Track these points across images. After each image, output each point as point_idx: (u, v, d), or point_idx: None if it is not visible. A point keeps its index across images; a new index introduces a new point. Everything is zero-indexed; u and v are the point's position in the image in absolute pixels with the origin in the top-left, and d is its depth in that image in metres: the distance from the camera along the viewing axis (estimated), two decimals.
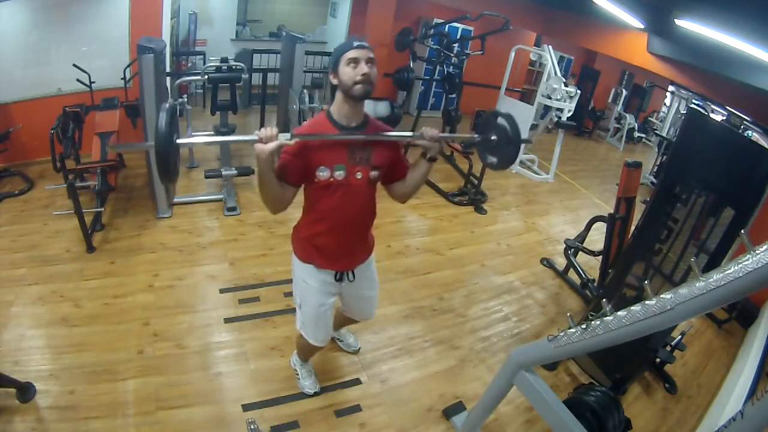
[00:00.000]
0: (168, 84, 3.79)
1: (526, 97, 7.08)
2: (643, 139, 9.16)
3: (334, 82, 1.43)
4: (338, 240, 1.59)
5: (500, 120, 1.60)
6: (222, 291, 2.69)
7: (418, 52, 5.70)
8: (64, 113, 3.18)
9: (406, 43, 5.54)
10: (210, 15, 6.55)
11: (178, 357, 2.19)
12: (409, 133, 1.52)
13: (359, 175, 1.48)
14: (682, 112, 7.28)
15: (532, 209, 4.75)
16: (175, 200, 3.52)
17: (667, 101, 9.07)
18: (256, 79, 5.82)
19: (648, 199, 2.89)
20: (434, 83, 6.46)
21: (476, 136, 1.71)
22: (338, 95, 1.45)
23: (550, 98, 5.25)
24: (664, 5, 3.74)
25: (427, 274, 3.21)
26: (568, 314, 1.50)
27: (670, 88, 8.11)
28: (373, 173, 1.50)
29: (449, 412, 2.11)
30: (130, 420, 1.86)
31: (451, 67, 5.65)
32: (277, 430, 1.91)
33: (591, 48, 6.56)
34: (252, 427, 1.83)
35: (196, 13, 6.07)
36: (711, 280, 1.00)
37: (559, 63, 6.25)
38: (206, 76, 3.54)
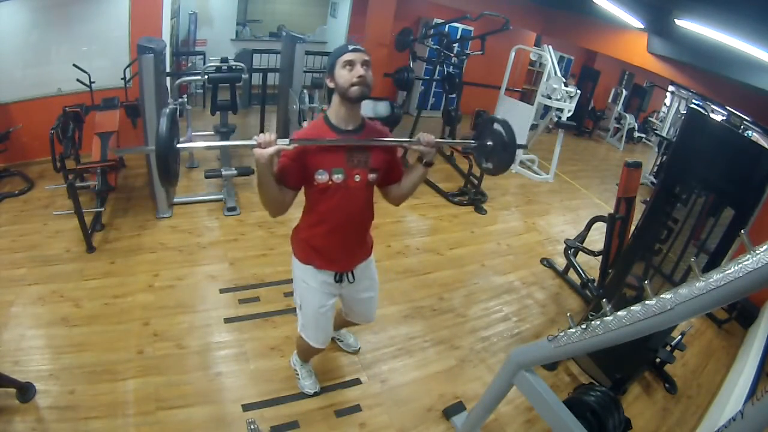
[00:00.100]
0: (168, 84, 3.79)
1: (526, 97, 7.08)
2: (643, 139, 9.16)
3: (331, 85, 1.44)
4: (337, 241, 1.60)
5: (496, 126, 1.60)
6: (222, 291, 2.69)
7: (418, 52, 5.70)
8: (64, 113, 3.18)
9: (406, 43, 5.54)
10: (210, 15, 6.55)
11: (178, 357, 2.19)
12: (406, 139, 1.53)
13: (357, 178, 1.49)
14: (682, 112, 7.27)
15: (532, 209, 4.75)
16: (175, 200, 3.52)
17: (667, 101, 9.07)
18: (256, 79, 5.82)
19: (648, 199, 2.89)
20: (434, 83, 6.47)
21: (472, 141, 1.72)
22: (335, 98, 1.46)
23: (550, 98, 5.25)
24: (664, 5, 3.74)
25: (427, 274, 3.21)
26: (568, 314, 1.50)
27: (670, 88, 8.11)
28: (371, 176, 1.51)
29: (449, 412, 2.11)
30: (130, 420, 1.86)
31: (451, 67, 5.66)
32: (277, 430, 1.91)
33: (591, 48, 6.56)
34: (252, 427, 1.83)
35: (196, 13, 6.07)
36: (711, 280, 1.00)
37: (559, 63, 6.25)
38: (206, 76, 3.54)
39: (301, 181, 1.48)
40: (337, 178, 1.46)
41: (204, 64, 4.93)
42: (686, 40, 3.96)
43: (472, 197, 4.45)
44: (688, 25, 3.41)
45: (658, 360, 2.54)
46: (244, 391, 2.07)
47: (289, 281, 1.80)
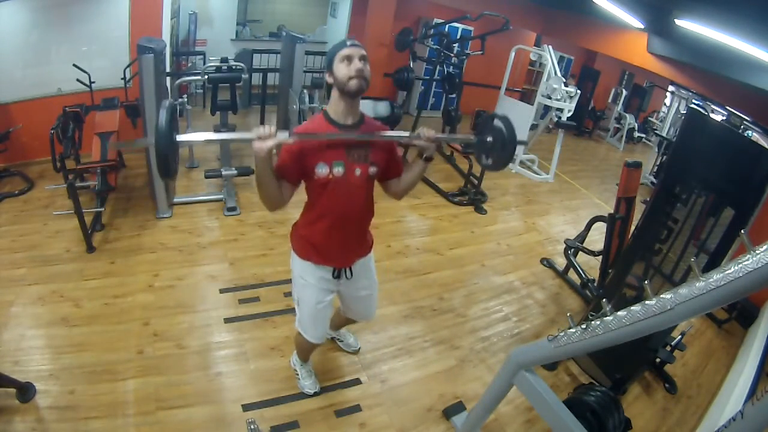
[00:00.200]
0: (168, 84, 3.79)
1: (526, 97, 7.09)
2: (643, 139, 9.16)
3: (330, 80, 1.46)
4: (337, 237, 1.60)
5: (497, 122, 1.60)
6: (222, 291, 2.69)
7: (418, 52, 5.69)
8: (64, 113, 3.18)
9: (406, 43, 5.54)
10: (210, 15, 6.55)
11: (178, 357, 2.19)
12: (406, 134, 1.53)
13: (358, 172, 1.49)
14: (682, 112, 7.28)
15: (532, 209, 4.75)
16: (175, 200, 3.52)
17: (667, 101, 9.07)
18: (256, 79, 5.83)
19: (648, 199, 2.89)
20: (434, 83, 6.46)
21: (473, 137, 1.72)
22: (334, 93, 1.48)
23: (550, 98, 5.25)
24: (664, 5, 3.74)
25: (427, 274, 3.21)
26: (568, 314, 1.50)
27: (670, 88, 8.11)
28: (372, 169, 1.52)
29: (449, 412, 2.11)
30: (130, 420, 1.86)
31: (451, 67, 5.65)
32: (277, 430, 1.91)
33: (591, 48, 6.55)
34: (252, 427, 1.83)
35: (196, 13, 6.07)
36: (711, 280, 1.00)
37: (559, 63, 6.25)
38: (206, 76, 3.55)
39: (301, 176, 1.48)
40: (338, 171, 1.46)
41: (204, 64, 4.94)
42: (686, 40, 3.96)
43: (472, 197, 4.45)
44: (688, 25, 3.41)
45: (658, 360, 2.54)
46: (244, 391, 2.07)
47: (289, 281, 1.80)
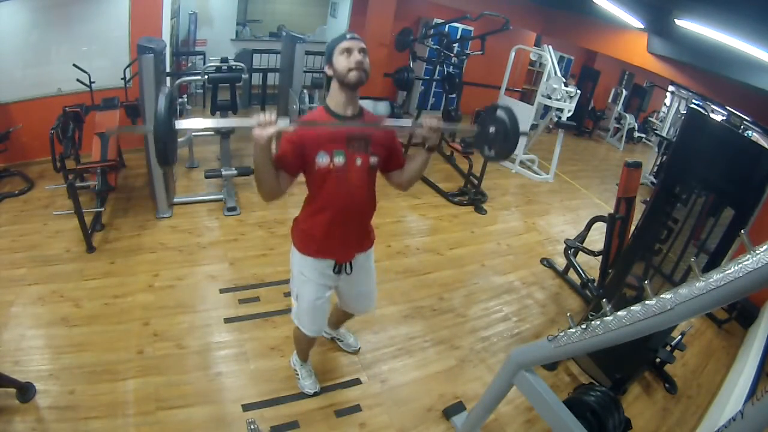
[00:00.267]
0: (168, 84, 3.78)
1: (526, 97, 7.09)
2: (643, 139, 9.16)
3: (330, 73, 1.47)
4: (338, 229, 1.58)
5: (500, 113, 1.60)
6: (222, 291, 2.69)
7: (418, 52, 5.70)
8: (64, 113, 3.18)
9: (406, 43, 5.54)
10: (210, 15, 6.54)
11: (178, 357, 2.19)
12: (409, 122, 1.53)
13: (359, 162, 1.50)
14: (682, 112, 7.28)
15: (532, 209, 4.75)
16: (175, 200, 3.52)
17: (667, 101, 9.08)
18: (256, 79, 5.82)
19: (648, 199, 2.89)
20: (434, 83, 6.46)
21: (475, 127, 1.70)
22: (334, 86, 1.49)
23: (550, 98, 5.26)
24: (664, 5, 3.74)
25: (427, 274, 3.21)
26: (568, 314, 1.50)
27: (670, 88, 8.12)
28: (373, 159, 1.53)
29: (449, 412, 2.11)
30: (130, 420, 1.86)
31: (451, 67, 5.66)
32: (277, 430, 1.91)
33: (591, 48, 6.55)
34: (252, 427, 1.83)
35: (196, 13, 6.07)
36: (711, 280, 1.00)
37: (559, 63, 6.25)
38: (206, 76, 3.55)
39: (301, 166, 1.48)
40: (339, 161, 1.47)
41: (204, 64, 4.94)
42: (686, 40, 3.96)
43: (472, 197, 4.45)
44: (688, 25, 3.41)
45: (658, 360, 2.54)
46: (244, 391, 2.07)
47: (289, 281, 1.80)
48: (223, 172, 3.57)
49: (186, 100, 4.44)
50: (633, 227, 2.67)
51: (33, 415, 1.82)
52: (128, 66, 3.89)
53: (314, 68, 6.02)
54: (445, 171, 5.19)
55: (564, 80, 5.27)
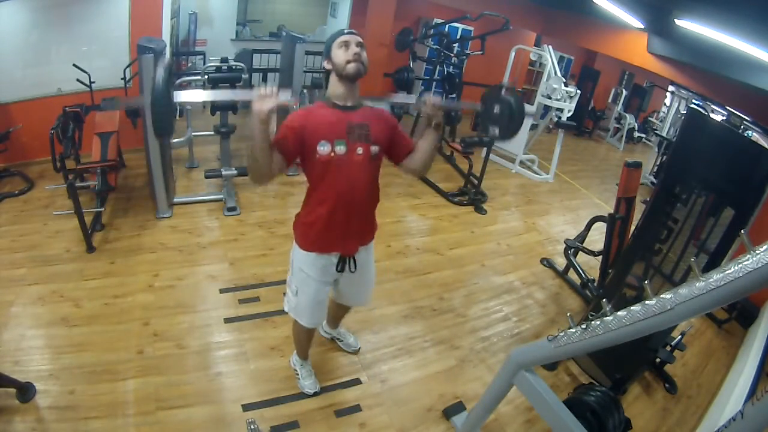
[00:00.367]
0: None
1: (526, 97, 7.08)
2: (643, 139, 9.16)
3: (328, 67, 1.50)
4: (341, 219, 1.57)
5: (505, 94, 1.59)
6: (222, 291, 2.69)
7: (418, 52, 5.70)
8: (64, 113, 3.18)
9: (406, 43, 5.55)
10: (210, 15, 6.54)
11: (178, 357, 2.19)
12: (413, 98, 1.53)
13: (360, 151, 1.50)
14: (682, 112, 7.28)
15: (532, 209, 4.75)
16: (175, 200, 3.52)
17: (667, 101, 9.07)
18: (256, 79, 5.82)
19: (648, 199, 2.89)
20: (434, 83, 6.46)
21: (479, 105, 1.69)
22: (333, 79, 1.51)
23: (550, 98, 5.25)
24: (664, 5, 3.73)
25: (427, 274, 3.21)
26: (568, 314, 1.50)
27: (670, 88, 8.11)
28: (374, 148, 1.53)
29: (449, 412, 2.11)
30: (130, 420, 1.86)
31: (451, 67, 5.66)
32: (277, 430, 1.91)
33: (591, 48, 6.55)
34: (252, 427, 1.83)
35: (196, 13, 6.07)
36: (711, 280, 1.00)
37: (559, 63, 6.25)
38: (206, 76, 3.54)
39: (298, 152, 1.48)
40: (340, 150, 1.47)
41: (204, 64, 4.93)
42: (686, 40, 3.96)
43: (472, 197, 4.45)
44: (688, 25, 3.41)
45: (658, 360, 2.54)
46: (244, 391, 2.07)
47: (287, 275, 1.80)
48: (223, 172, 3.57)
49: None
50: (633, 227, 2.68)
51: (33, 415, 1.82)
52: (128, 66, 3.89)
53: (314, 68, 6.01)
54: (445, 171, 5.19)
55: (564, 80, 5.27)
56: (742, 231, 1.06)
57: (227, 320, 2.47)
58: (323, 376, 2.19)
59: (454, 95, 5.42)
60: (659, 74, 5.12)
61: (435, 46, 5.58)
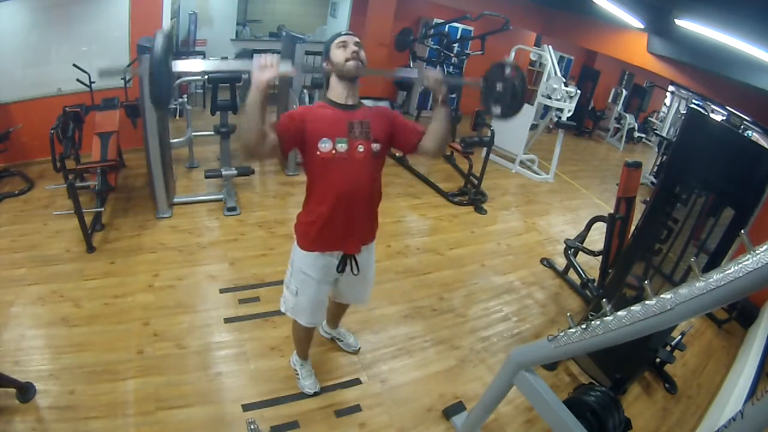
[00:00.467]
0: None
1: (526, 97, 7.07)
2: (643, 139, 9.15)
3: (328, 67, 1.52)
4: (343, 217, 1.57)
5: (508, 71, 1.58)
6: (222, 291, 2.69)
7: (418, 52, 5.71)
8: (64, 113, 3.18)
9: (406, 43, 5.55)
10: (210, 15, 6.54)
11: (178, 357, 2.19)
12: (414, 72, 1.54)
13: (361, 149, 1.51)
14: (682, 112, 7.28)
15: (532, 209, 4.75)
16: (175, 200, 3.52)
17: (667, 101, 9.07)
18: None
19: (648, 199, 2.89)
20: None
21: (481, 81, 1.66)
22: (332, 79, 1.53)
23: (550, 98, 5.26)
24: (664, 5, 3.74)
25: (427, 274, 3.21)
26: (568, 314, 1.50)
27: (670, 88, 8.11)
28: (375, 146, 1.53)
29: (449, 412, 2.11)
30: (130, 420, 1.86)
31: (451, 67, 5.66)
32: (277, 430, 1.91)
33: (591, 48, 6.55)
34: (252, 427, 1.83)
35: (196, 13, 6.07)
36: (711, 280, 1.00)
37: (559, 63, 6.25)
38: (206, 76, 3.54)
39: (296, 143, 1.48)
40: (341, 147, 1.48)
41: None
42: (686, 40, 3.96)
43: (472, 197, 4.45)
44: (688, 25, 3.42)
45: (658, 360, 2.54)
46: (244, 391, 2.07)
47: (286, 275, 1.80)
48: (223, 172, 3.57)
49: (186, 100, 4.44)
50: (633, 227, 2.67)
51: (33, 415, 1.82)
52: (128, 66, 3.89)
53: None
54: (445, 171, 5.19)
55: (564, 80, 5.27)
56: (742, 231, 1.06)
57: (227, 320, 2.47)
58: (323, 376, 2.19)
59: (454, 95, 5.42)
60: (659, 74, 5.13)
61: (435, 46, 5.59)
